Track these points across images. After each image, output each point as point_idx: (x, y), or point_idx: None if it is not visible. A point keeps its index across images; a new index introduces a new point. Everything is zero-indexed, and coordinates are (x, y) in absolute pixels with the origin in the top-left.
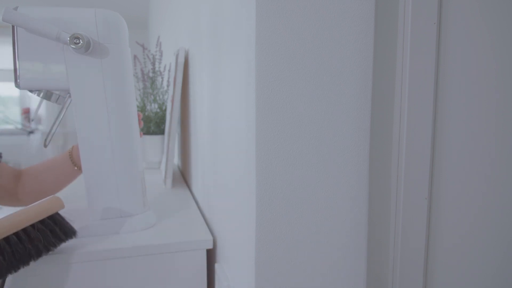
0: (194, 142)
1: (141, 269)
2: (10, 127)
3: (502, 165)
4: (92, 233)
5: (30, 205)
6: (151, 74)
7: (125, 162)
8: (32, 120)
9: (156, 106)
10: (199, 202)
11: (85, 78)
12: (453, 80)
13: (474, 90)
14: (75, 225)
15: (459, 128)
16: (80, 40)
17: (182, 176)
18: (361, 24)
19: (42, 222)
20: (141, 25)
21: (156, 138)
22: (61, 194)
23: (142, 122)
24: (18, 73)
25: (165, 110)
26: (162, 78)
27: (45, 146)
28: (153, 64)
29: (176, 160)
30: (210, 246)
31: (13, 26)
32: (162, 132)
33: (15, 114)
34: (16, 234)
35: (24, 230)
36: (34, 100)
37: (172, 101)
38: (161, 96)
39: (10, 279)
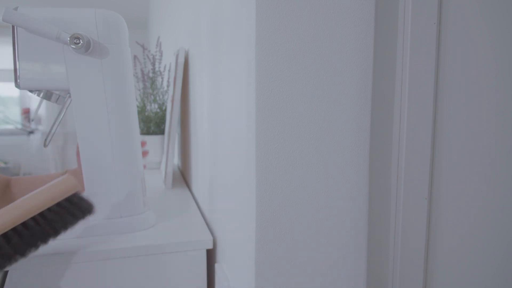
0: (194, 142)
1: (141, 269)
2: (10, 127)
3: (502, 165)
4: (92, 233)
5: (45, 186)
6: (151, 74)
7: (125, 162)
8: (32, 120)
9: (156, 106)
10: (199, 202)
11: (85, 78)
12: (453, 80)
13: (474, 90)
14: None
15: (459, 128)
16: (80, 40)
17: (182, 176)
18: (361, 24)
19: (59, 205)
20: (141, 25)
21: (156, 138)
22: None
23: (146, 153)
24: (18, 73)
25: (165, 110)
26: (162, 78)
27: (45, 146)
28: (153, 64)
29: (176, 160)
30: (210, 246)
31: (13, 26)
32: (162, 132)
33: (15, 114)
34: (33, 218)
35: (41, 214)
36: (34, 100)
37: (172, 101)
38: (161, 96)
39: (10, 279)
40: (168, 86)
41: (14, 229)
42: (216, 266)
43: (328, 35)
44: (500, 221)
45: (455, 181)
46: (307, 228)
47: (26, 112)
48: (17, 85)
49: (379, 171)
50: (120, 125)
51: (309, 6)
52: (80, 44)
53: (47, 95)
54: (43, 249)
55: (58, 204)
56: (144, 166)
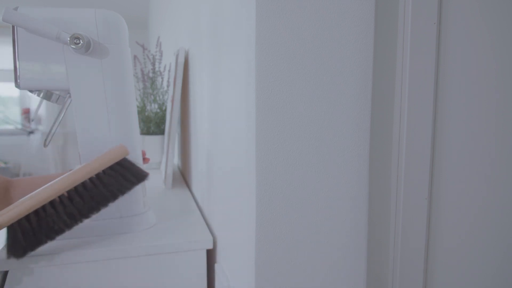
0: (194, 142)
1: (141, 269)
2: (10, 127)
3: (502, 165)
4: (92, 234)
5: (97, 157)
6: (151, 74)
7: None
8: (32, 120)
9: (156, 106)
10: (199, 202)
11: (85, 78)
12: (453, 80)
13: (474, 90)
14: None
15: (459, 128)
16: (80, 40)
17: (182, 176)
18: (361, 24)
19: (112, 168)
20: (141, 25)
21: (156, 138)
22: None
23: (148, 160)
24: (18, 73)
25: (165, 110)
26: (162, 78)
27: (45, 146)
28: (153, 64)
29: (176, 160)
30: (210, 246)
31: (13, 26)
32: (162, 132)
33: (15, 114)
34: (90, 179)
35: (97, 176)
36: (34, 100)
37: (172, 101)
38: (161, 96)
39: (10, 279)
40: (168, 86)
41: (76, 190)
42: (216, 266)
43: (328, 35)
44: (500, 221)
45: (455, 181)
46: (307, 228)
47: (26, 112)
48: (17, 85)
49: (379, 171)
50: (120, 125)
51: (309, 6)
52: (80, 44)
53: (47, 95)
54: (43, 249)
55: (112, 168)
56: (147, 160)
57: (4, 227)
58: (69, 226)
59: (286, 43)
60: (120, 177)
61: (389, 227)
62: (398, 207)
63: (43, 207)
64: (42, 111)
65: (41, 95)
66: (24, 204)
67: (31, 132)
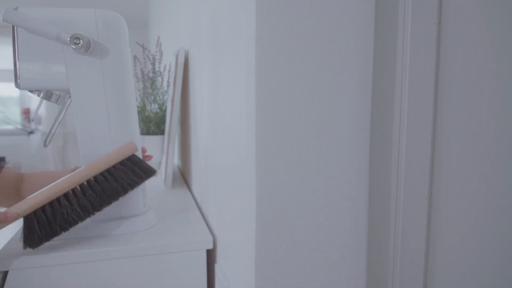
0: (194, 142)
1: (141, 269)
2: (10, 127)
3: (502, 165)
4: (92, 234)
5: (108, 153)
6: (151, 74)
7: None
8: (32, 120)
9: (156, 106)
10: (199, 202)
11: (85, 78)
12: (453, 80)
13: (474, 90)
14: (75, 225)
15: (459, 128)
16: (80, 40)
17: (182, 176)
18: (361, 24)
19: (122, 163)
20: (141, 25)
21: (156, 138)
22: None
23: (151, 157)
24: (18, 73)
25: (165, 110)
26: (162, 78)
27: (45, 146)
28: (153, 64)
29: (176, 160)
30: (210, 246)
31: (13, 26)
32: (162, 132)
33: (15, 114)
34: (102, 174)
35: (108, 171)
36: (34, 100)
37: (172, 101)
38: (161, 96)
39: (10, 279)
40: (168, 86)
41: (88, 184)
42: (216, 266)
43: (328, 35)
44: (500, 221)
45: (455, 181)
46: (307, 228)
47: (26, 112)
48: (17, 85)
49: (379, 171)
50: (120, 125)
51: (309, 6)
52: (80, 44)
53: (47, 95)
54: (43, 249)
55: (122, 164)
56: (150, 157)
57: (22, 217)
58: (81, 218)
59: (286, 43)
60: (130, 172)
61: (389, 227)
62: (398, 207)
63: (58, 199)
64: (42, 111)
65: (41, 95)
66: (40, 195)
67: (31, 132)
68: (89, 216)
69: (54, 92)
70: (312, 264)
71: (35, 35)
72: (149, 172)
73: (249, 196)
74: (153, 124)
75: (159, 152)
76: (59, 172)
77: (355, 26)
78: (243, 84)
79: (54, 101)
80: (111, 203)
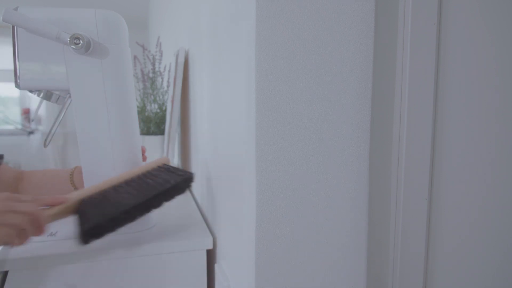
0: (194, 142)
1: (141, 270)
2: (10, 127)
3: (502, 165)
4: None
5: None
6: (151, 75)
7: (125, 163)
8: (32, 121)
9: (156, 106)
10: (199, 202)
11: (85, 78)
12: (453, 80)
13: (474, 90)
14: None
15: (459, 128)
16: (80, 41)
17: None
18: (361, 24)
19: (157, 169)
20: (141, 25)
21: (156, 138)
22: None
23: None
24: (18, 73)
25: (165, 110)
26: (162, 78)
27: (45, 146)
28: (153, 64)
29: (176, 160)
30: (210, 246)
31: (13, 26)
32: (162, 132)
33: (15, 114)
34: (147, 177)
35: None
36: (34, 100)
37: (172, 101)
38: (161, 97)
39: (10, 279)
40: (168, 86)
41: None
42: (216, 266)
43: (328, 35)
44: (500, 222)
45: (455, 182)
46: (307, 228)
47: (26, 112)
48: (17, 85)
49: (379, 171)
50: (120, 125)
51: (309, 6)
52: (80, 44)
53: (47, 95)
54: (43, 249)
55: (159, 170)
56: (144, 158)
57: (72, 204)
58: (141, 214)
59: (286, 43)
60: (166, 172)
61: (389, 227)
62: (398, 207)
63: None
64: (42, 111)
65: (41, 95)
66: (95, 186)
67: (31, 132)
68: (147, 213)
69: (54, 92)
70: (312, 264)
71: (35, 35)
72: (188, 178)
73: (249, 196)
74: (153, 124)
75: (159, 152)
76: (58, 171)
77: (355, 26)
78: (243, 84)
79: (54, 101)
80: (157, 208)
